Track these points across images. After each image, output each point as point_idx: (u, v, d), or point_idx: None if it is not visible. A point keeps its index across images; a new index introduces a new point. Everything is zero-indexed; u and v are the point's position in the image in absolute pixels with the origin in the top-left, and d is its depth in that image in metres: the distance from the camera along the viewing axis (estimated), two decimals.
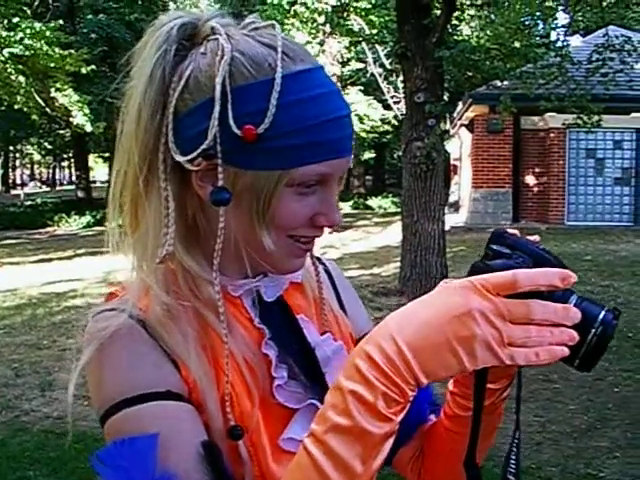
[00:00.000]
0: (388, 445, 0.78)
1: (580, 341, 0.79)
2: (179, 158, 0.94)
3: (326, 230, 1.03)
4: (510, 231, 0.93)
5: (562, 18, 16.70)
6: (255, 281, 1.05)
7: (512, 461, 0.87)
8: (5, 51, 16.13)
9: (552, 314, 0.76)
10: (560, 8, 11.84)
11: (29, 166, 67.38)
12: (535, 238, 0.93)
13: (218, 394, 0.94)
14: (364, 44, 15.69)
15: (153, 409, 0.90)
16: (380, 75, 17.94)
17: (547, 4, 11.33)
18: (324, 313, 1.13)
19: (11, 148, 47.43)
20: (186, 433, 0.90)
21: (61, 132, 31.50)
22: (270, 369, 1.00)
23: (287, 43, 0.96)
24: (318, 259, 1.20)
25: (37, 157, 52.98)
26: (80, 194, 28.86)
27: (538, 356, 0.76)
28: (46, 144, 41.40)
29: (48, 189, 55.52)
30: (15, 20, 16.61)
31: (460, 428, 1.06)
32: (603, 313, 0.81)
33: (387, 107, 21.74)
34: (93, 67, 18.02)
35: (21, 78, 16.71)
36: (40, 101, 17.90)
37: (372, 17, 15.30)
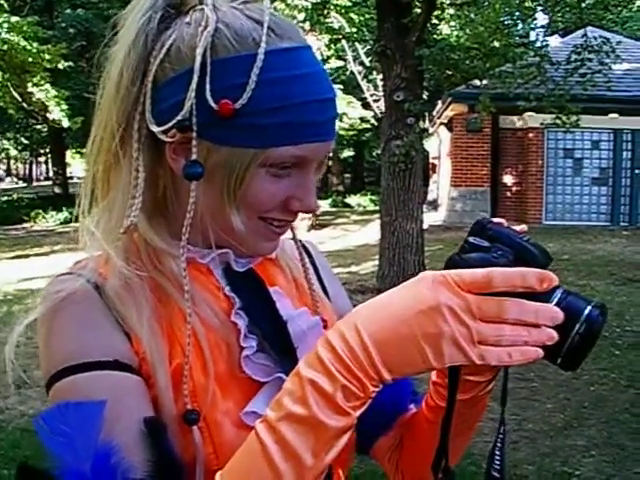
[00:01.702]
0: (342, 441, 0.76)
1: (563, 338, 0.76)
2: (154, 128, 0.93)
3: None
4: (495, 220, 0.91)
5: (541, 18, 16.80)
6: (223, 251, 1.01)
7: (497, 457, 0.85)
8: None
9: (530, 314, 0.73)
10: (539, 8, 11.89)
11: (5, 161, 66.71)
12: (522, 228, 0.90)
13: (170, 369, 0.91)
14: (344, 42, 15.66)
15: (99, 378, 0.88)
16: (360, 73, 17.94)
17: (526, 4, 11.38)
18: (313, 293, 1.11)
19: None
20: (131, 406, 0.87)
21: (38, 127, 31.28)
22: (239, 339, 0.97)
23: (276, 20, 0.94)
24: (300, 242, 1.17)
25: (13, 152, 52.43)
26: (57, 190, 28.52)
27: (511, 356, 0.73)
28: (23, 139, 41.02)
29: (25, 185, 54.96)
30: None
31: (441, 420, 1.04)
32: (589, 309, 0.77)
33: (366, 105, 21.72)
34: (70, 64, 17.87)
35: None
36: (17, 96, 17.72)
37: (352, 15, 15.27)
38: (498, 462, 0.85)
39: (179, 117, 0.90)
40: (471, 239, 0.85)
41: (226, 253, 1.01)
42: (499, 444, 0.86)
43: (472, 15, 12.55)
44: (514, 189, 19.02)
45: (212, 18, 0.91)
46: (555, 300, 0.77)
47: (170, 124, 0.91)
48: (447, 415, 0.91)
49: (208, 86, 0.89)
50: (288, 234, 1.07)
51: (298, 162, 0.94)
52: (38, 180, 63.29)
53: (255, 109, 0.89)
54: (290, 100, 0.90)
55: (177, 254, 0.95)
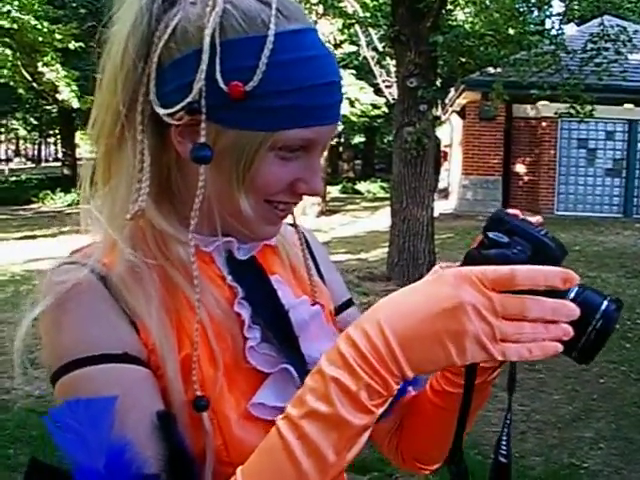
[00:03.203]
0: (364, 438, 0.76)
1: (580, 333, 0.77)
2: (160, 111, 0.90)
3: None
4: (510, 211, 0.91)
5: (557, 6, 16.68)
6: (227, 239, 1.00)
7: (503, 443, 0.87)
8: None
9: (548, 311, 0.74)
10: None
11: (14, 142, 66.97)
12: (537, 220, 0.90)
13: (178, 359, 0.90)
14: (357, 26, 15.56)
15: (108, 371, 0.86)
16: (373, 59, 17.82)
17: None
18: (312, 280, 1.10)
19: None
20: (141, 399, 0.86)
21: (48, 108, 31.30)
22: (243, 329, 0.97)
23: (282, 0, 0.92)
24: (295, 227, 1.16)
25: (23, 133, 52.65)
26: (66, 171, 28.56)
27: (531, 352, 0.74)
28: (32, 120, 41.19)
29: (33, 165, 55.22)
30: None
31: (447, 404, 1.05)
32: (605, 304, 0.79)
33: (378, 91, 21.63)
34: (81, 44, 17.84)
35: (8, 51, 16.53)
36: (27, 75, 17.73)
37: None
38: (505, 447, 0.86)
39: (189, 99, 0.88)
40: (491, 234, 0.84)
41: (230, 242, 1.01)
42: (506, 429, 0.87)
43: (487, 2, 12.45)
44: (526, 179, 18.95)
45: None
46: (572, 294, 0.79)
47: (178, 107, 0.88)
48: (463, 408, 0.90)
49: (218, 67, 0.87)
50: (288, 219, 1.05)
51: (306, 145, 0.93)
52: (47, 161, 63.50)
53: (265, 91, 0.88)
54: (299, 83, 0.89)
55: (185, 240, 0.93)
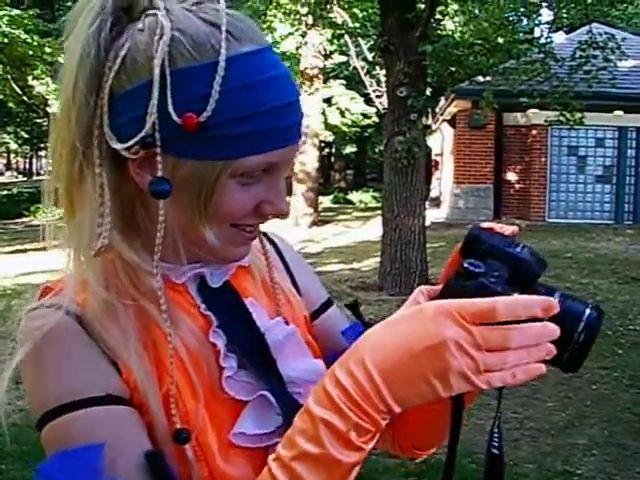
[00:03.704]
0: (354, 473, 0.77)
1: (564, 343, 0.78)
2: (115, 145, 0.87)
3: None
4: (485, 225, 0.92)
5: (546, 14, 16.74)
6: (199, 266, 0.99)
7: (495, 435, 0.87)
8: None
9: (531, 338, 0.74)
10: (544, 4, 11.81)
11: (5, 155, 66.70)
12: (513, 230, 0.91)
13: (161, 394, 0.88)
14: (347, 37, 15.61)
15: (92, 416, 0.85)
16: (362, 69, 17.88)
17: (531, 0, 11.31)
18: (276, 296, 1.07)
19: None
20: (128, 440, 0.85)
21: (38, 121, 31.23)
22: (218, 359, 0.95)
23: (232, 21, 0.88)
24: (264, 234, 1.14)
25: (14, 146, 52.43)
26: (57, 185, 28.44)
27: (515, 377, 0.75)
28: (23, 133, 41.03)
29: (24, 179, 54.98)
30: None
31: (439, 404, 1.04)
32: (587, 312, 0.80)
33: (369, 101, 21.68)
34: None
35: None
36: (17, 89, 17.70)
37: (355, 10, 15.25)
38: (497, 439, 0.87)
39: (142, 134, 0.85)
40: (466, 264, 0.83)
41: (203, 269, 0.99)
42: (497, 421, 0.87)
43: (476, 11, 12.49)
44: (517, 186, 18.99)
45: (167, 25, 0.85)
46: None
47: (132, 142, 0.86)
48: (453, 435, 0.89)
49: (170, 100, 0.84)
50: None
51: (268, 168, 0.91)
52: (38, 174, 63.15)
53: (220, 120, 0.85)
54: (256, 108, 0.86)
55: (153, 272, 0.91)
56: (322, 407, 0.74)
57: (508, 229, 0.92)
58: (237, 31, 0.88)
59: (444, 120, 21.31)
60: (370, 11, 14.76)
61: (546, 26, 12.68)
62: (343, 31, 13.36)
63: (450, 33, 17.44)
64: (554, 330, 0.75)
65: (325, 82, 22.19)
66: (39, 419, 0.86)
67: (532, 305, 0.74)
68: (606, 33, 10.89)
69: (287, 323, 1.05)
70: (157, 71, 0.83)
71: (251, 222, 0.94)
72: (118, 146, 0.87)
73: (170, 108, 0.84)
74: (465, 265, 0.83)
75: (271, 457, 0.77)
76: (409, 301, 0.88)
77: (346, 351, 0.78)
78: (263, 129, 0.86)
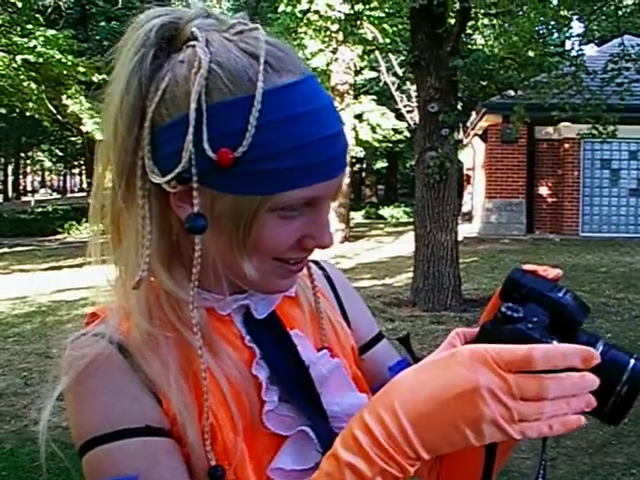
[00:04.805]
0: None
1: (607, 394, 0.76)
2: (155, 179, 0.87)
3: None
4: (527, 267, 0.89)
5: (577, 27, 16.65)
6: (244, 297, 0.98)
7: None
8: (18, 58, 16.16)
9: (568, 389, 0.72)
10: (575, 17, 11.77)
11: (40, 173, 67.65)
12: (556, 274, 0.88)
13: (200, 427, 0.88)
14: (377, 53, 15.65)
15: (131, 447, 0.85)
16: (393, 84, 17.90)
17: (562, 13, 11.26)
18: (322, 327, 1.05)
19: (22, 155, 47.65)
20: (163, 473, 0.85)
21: (72, 139, 31.64)
22: (260, 392, 0.94)
23: (272, 50, 0.87)
24: (316, 263, 1.13)
25: (48, 164, 53.15)
26: None
27: (552, 428, 0.72)
28: (57, 151, 41.61)
29: (59, 196, 55.67)
30: (29, 27, 16.65)
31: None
32: (632, 363, 0.77)
33: (400, 116, 21.68)
34: (105, 77, 17.97)
35: (33, 85, 16.73)
36: (52, 108, 17.93)
37: (385, 26, 15.28)
38: None
39: (178, 169, 0.85)
40: (503, 308, 0.81)
41: (248, 301, 0.98)
42: (542, 471, 0.84)
43: (506, 25, 12.47)
44: (550, 200, 18.86)
45: (205, 59, 0.84)
46: (598, 351, 0.76)
47: (169, 176, 0.86)
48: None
49: (205, 136, 0.83)
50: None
51: (310, 202, 0.89)
52: (72, 192, 63.95)
53: (256, 155, 0.83)
54: (295, 142, 0.84)
55: (198, 304, 0.91)
56: (349, 451, 0.73)
57: (552, 272, 0.89)
58: (276, 62, 0.86)
59: (475, 134, 21.24)
60: (400, 27, 14.80)
61: (577, 39, 12.61)
62: (374, 47, 13.41)
63: (480, 47, 17.43)
64: (593, 381, 0.72)
65: (356, 98, 22.23)
66: (79, 449, 0.87)
67: (571, 355, 0.72)
68: (638, 45, 10.81)
69: (332, 355, 1.04)
70: (193, 106, 0.83)
71: (294, 255, 0.93)
72: (158, 180, 0.87)
73: (205, 144, 0.83)
74: (502, 309, 0.81)
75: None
76: (445, 343, 0.87)
77: (376, 394, 0.77)
78: (303, 163, 0.84)
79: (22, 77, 16.52)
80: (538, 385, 0.70)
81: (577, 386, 0.72)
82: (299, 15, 14.82)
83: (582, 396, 0.72)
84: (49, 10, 21.30)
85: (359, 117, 22.83)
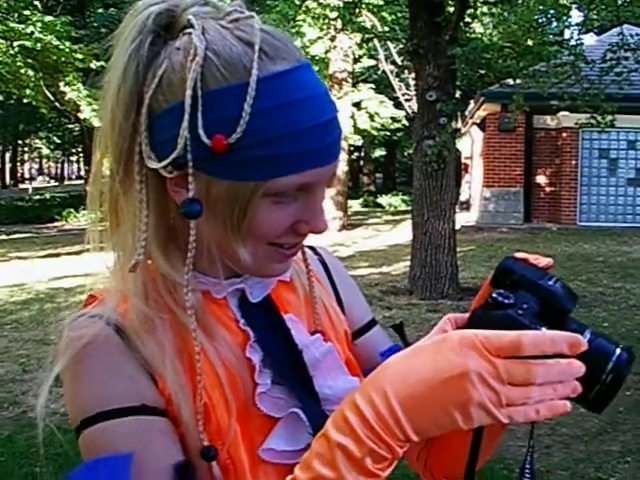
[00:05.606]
0: None
1: (592, 381, 0.77)
2: (151, 164, 0.89)
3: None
4: (519, 256, 0.90)
5: (576, 16, 16.64)
6: (239, 281, 1.00)
7: (527, 471, 0.84)
8: (15, 44, 16.13)
9: (556, 375, 0.73)
10: (574, 6, 11.75)
11: (38, 160, 67.62)
12: (547, 263, 0.90)
13: (194, 407, 0.90)
14: (376, 41, 15.63)
15: (126, 425, 0.87)
16: (392, 72, 17.87)
17: (561, 2, 11.25)
18: (316, 311, 1.07)
19: (20, 142, 47.62)
20: (158, 451, 0.87)
21: (70, 126, 31.59)
22: (253, 374, 0.96)
23: (267, 37, 0.88)
24: (312, 248, 1.15)
25: (46, 151, 53.13)
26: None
27: (538, 413, 0.73)
28: (55, 138, 41.56)
29: (56, 183, 55.75)
30: (26, 13, 16.59)
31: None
32: (618, 352, 0.79)
33: (398, 105, 21.64)
34: (102, 64, 17.95)
35: (30, 72, 16.69)
36: (49, 95, 17.89)
37: (384, 14, 15.24)
38: (528, 474, 0.84)
39: (174, 155, 0.86)
40: (494, 294, 0.82)
41: (244, 284, 1.00)
42: (529, 457, 0.85)
43: (505, 13, 12.45)
44: (548, 189, 18.86)
45: (200, 47, 0.86)
46: (585, 340, 0.76)
47: (166, 162, 0.87)
48: (469, 466, 0.89)
49: (200, 122, 0.85)
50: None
51: (303, 187, 0.90)
52: (70, 179, 64.01)
53: (250, 142, 0.85)
54: (289, 129, 0.85)
55: (194, 287, 0.93)
56: (339, 432, 0.74)
57: (543, 261, 0.91)
58: (271, 50, 0.87)
59: (474, 123, 21.22)
60: (399, 15, 14.76)
61: (576, 28, 12.61)
62: (372, 35, 13.38)
63: (479, 36, 17.40)
64: (579, 368, 0.74)
65: (354, 86, 22.15)
66: (76, 427, 0.89)
67: (559, 341, 0.73)
68: (637, 34, 10.78)
69: (326, 339, 1.05)
70: (189, 93, 0.84)
71: (288, 240, 0.94)
72: (155, 165, 0.89)
73: (200, 130, 0.85)
74: (493, 295, 0.82)
75: (288, 478, 0.78)
76: (436, 328, 0.88)
77: (368, 376, 0.78)
78: (296, 150, 0.86)
79: (19, 64, 16.48)
80: (526, 370, 0.72)
81: (564, 372, 0.73)
82: (297, 2, 14.78)
83: (568, 382, 0.74)
84: None
85: (357, 105, 22.77)
